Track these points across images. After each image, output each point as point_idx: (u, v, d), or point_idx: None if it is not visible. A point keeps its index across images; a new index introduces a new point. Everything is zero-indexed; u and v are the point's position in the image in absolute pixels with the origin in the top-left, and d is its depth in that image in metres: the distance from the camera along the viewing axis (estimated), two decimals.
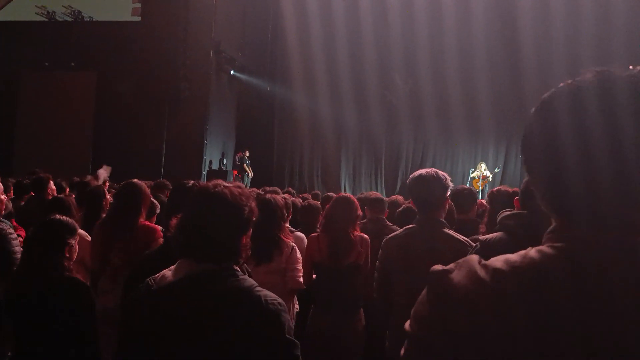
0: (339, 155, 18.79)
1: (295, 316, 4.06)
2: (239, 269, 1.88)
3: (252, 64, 17.57)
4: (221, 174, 15.24)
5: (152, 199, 4.26)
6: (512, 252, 2.53)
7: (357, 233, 4.05)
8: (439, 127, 17.71)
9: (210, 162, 15.70)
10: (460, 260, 0.96)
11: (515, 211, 2.73)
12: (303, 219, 5.18)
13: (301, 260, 4.00)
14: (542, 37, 16.01)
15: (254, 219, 1.93)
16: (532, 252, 0.91)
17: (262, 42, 18.40)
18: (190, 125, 14.77)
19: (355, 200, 4.19)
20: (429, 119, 17.67)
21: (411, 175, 3.24)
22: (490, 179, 16.24)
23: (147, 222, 3.89)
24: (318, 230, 4.41)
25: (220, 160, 16.37)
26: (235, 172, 16.09)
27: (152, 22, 14.79)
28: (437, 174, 3.15)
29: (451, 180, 3.25)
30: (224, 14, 15.62)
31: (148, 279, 1.88)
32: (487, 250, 2.49)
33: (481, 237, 2.69)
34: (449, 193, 3.19)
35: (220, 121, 16.37)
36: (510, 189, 3.78)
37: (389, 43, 17.15)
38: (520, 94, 16.28)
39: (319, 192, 11.91)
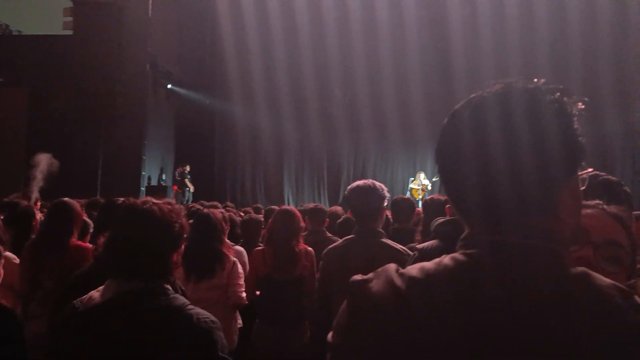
0: (282, 168, 18.77)
1: (238, 331, 4.01)
2: (170, 287, 1.85)
3: (190, 78, 17.35)
4: (161, 189, 14.93)
5: (85, 217, 4.12)
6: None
7: (302, 246, 4.05)
8: (379, 137, 17.99)
9: (149, 178, 15.36)
10: (379, 269, 0.97)
11: (448, 218, 2.78)
12: (244, 232, 5.13)
13: (242, 275, 3.96)
14: (472, 48, 16.54)
15: (184, 235, 1.90)
16: (446, 259, 0.94)
17: (200, 55, 18.19)
18: (127, 141, 14.40)
19: (298, 213, 4.19)
20: (369, 130, 17.92)
21: (349, 187, 3.27)
22: (429, 187, 16.58)
23: (80, 242, 3.76)
24: (261, 244, 4.37)
25: (160, 176, 16.04)
26: (176, 188, 15.80)
27: (85, 36, 14.37)
28: (373, 184, 3.20)
29: (388, 191, 3.29)
30: (159, 27, 15.37)
31: (75, 301, 1.81)
32: (426, 259, 2.53)
33: (418, 246, 2.74)
34: (385, 203, 3.22)
35: (159, 136, 16.06)
36: (442, 197, 3.86)
37: (328, 55, 17.30)
38: (454, 103, 16.71)
39: (260, 206, 11.85)
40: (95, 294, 1.81)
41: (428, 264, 0.94)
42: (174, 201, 2.03)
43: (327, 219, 5.02)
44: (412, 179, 17.10)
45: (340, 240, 3.34)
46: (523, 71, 15.69)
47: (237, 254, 4.40)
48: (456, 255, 0.94)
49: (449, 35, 16.56)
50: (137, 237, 1.81)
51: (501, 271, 0.88)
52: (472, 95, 0.98)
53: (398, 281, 0.92)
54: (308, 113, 17.95)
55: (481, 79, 15.86)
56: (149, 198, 1.93)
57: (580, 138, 0.93)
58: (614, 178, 1.86)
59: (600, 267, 1.20)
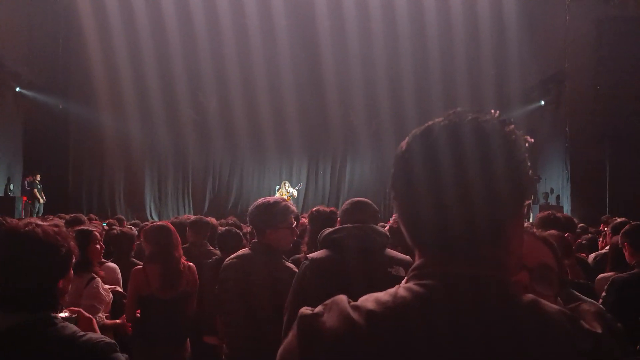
0: (144, 176, 18.06)
1: None
2: (59, 317, 1.71)
3: (41, 80, 16.05)
4: (8, 200, 13.72)
5: None
6: (342, 262, 2.63)
7: (183, 261, 3.98)
8: (245, 145, 17.97)
9: None
10: (328, 302, 0.95)
11: (337, 227, 2.85)
12: (115, 248, 4.85)
13: (103, 297, 3.73)
14: (341, 54, 17.07)
15: (73, 260, 1.77)
16: (401, 290, 0.93)
17: (52, 55, 16.86)
18: None
19: (173, 227, 4.09)
20: (237, 137, 17.85)
21: (254, 203, 3.26)
22: (295, 195, 16.88)
23: None
24: (133, 259, 4.18)
25: (7, 186, 14.69)
26: (25, 198, 14.57)
27: None
28: (274, 201, 3.24)
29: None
30: (6, 24, 14.11)
31: None
32: (318, 267, 2.59)
33: (309, 255, 2.77)
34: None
35: (5, 143, 14.71)
36: (327, 209, 3.95)
37: (196, 60, 16.92)
38: (325, 111, 17.27)
39: (122, 217, 11.34)
40: None
41: (382, 296, 0.94)
42: (61, 222, 1.87)
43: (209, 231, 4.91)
44: (278, 187, 17.30)
45: (237, 253, 3.30)
46: (389, 81, 16.53)
47: (109, 271, 4.16)
48: (411, 285, 0.94)
49: (319, 45, 16.97)
50: (18, 264, 1.65)
51: (453, 302, 0.89)
52: (428, 125, 0.99)
53: (355, 315, 0.90)
54: (174, 119, 17.48)
55: (350, 90, 16.62)
56: (32, 219, 1.77)
57: (529, 173, 0.97)
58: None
59: (535, 291, 1.27)
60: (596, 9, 13.14)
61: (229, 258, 3.31)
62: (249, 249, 3.23)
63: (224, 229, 4.88)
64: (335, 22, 16.73)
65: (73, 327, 1.68)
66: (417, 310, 0.89)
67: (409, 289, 0.93)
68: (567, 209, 13.92)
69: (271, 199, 3.27)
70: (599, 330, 0.87)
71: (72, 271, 1.80)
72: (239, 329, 3.11)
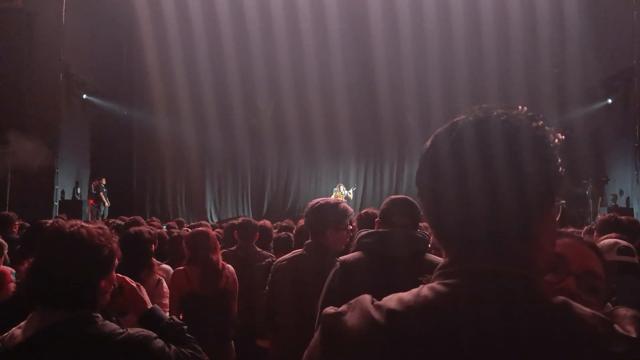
0: (204, 180, 18.49)
1: None
2: (99, 315, 1.74)
3: (106, 88, 16.70)
4: (75, 204, 14.30)
5: None
6: (370, 268, 2.58)
7: (222, 263, 4.07)
8: (302, 148, 18.09)
9: (63, 192, 14.64)
10: (352, 301, 0.96)
11: (370, 230, 2.80)
12: (171, 250, 4.96)
13: (168, 295, 3.83)
14: (394, 61, 16.95)
15: (116, 261, 1.81)
16: (424, 290, 0.92)
17: (117, 64, 17.56)
18: (39, 154, 13.66)
19: (211, 231, 4.21)
20: (293, 141, 18.00)
21: (309, 204, 3.25)
22: (350, 197, 16.85)
23: None
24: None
25: (74, 190, 15.33)
26: (91, 202, 15.15)
27: None
28: (328, 201, 3.22)
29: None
30: (73, 34, 14.72)
31: None
32: (347, 269, 2.54)
33: (340, 258, 2.73)
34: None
35: (73, 148, 15.36)
36: (375, 211, 3.89)
37: (251, 65, 17.22)
38: (376, 116, 17.18)
39: (182, 220, 11.61)
40: (17, 331, 1.67)
41: (405, 295, 0.92)
42: (105, 226, 1.91)
43: (258, 233, 4.93)
44: (335, 189, 17.33)
45: (288, 255, 3.31)
46: (444, 86, 16.26)
47: (165, 273, 4.25)
48: (434, 285, 0.92)
49: (372, 47, 16.89)
50: (61, 264, 1.70)
51: (476, 301, 0.87)
52: (453, 121, 0.97)
53: (376, 314, 0.90)
54: (231, 124, 17.79)
55: (403, 93, 16.45)
56: (77, 221, 1.82)
57: (560, 169, 0.94)
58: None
59: (581, 298, 1.20)
60: None
61: (279, 260, 3.32)
62: (303, 250, 3.21)
63: (279, 233, 4.92)
64: (388, 24, 16.61)
65: (112, 326, 1.71)
66: (439, 309, 0.88)
67: (432, 288, 0.92)
68: (637, 212, 13.28)
69: (331, 200, 3.27)
70: (634, 335, 0.84)
71: (114, 272, 1.84)
72: (289, 330, 3.09)
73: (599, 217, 3.88)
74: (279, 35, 16.78)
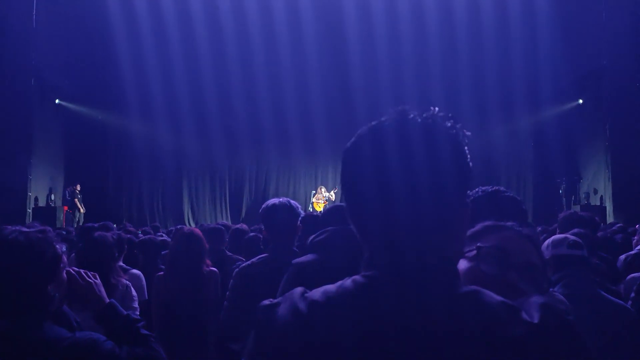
0: (181, 184, 18.35)
1: None
2: (48, 320, 1.72)
3: (80, 92, 16.48)
4: (49, 210, 14.10)
5: None
6: (321, 267, 2.59)
7: (207, 266, 4.00)
8: (279, 151, 18.08)
9: (37, 199, 14.44)
10: (287, 294, 1.01)
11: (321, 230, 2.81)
12: (142, 254, 4.91)
13: (137, 299, 3.79)
14: (370, 64, 17.02)
15: (62, 264, 1.79)
16: (347, 282, 0.97)
17: (91, 68, 17.24)
18: (10, 160, 13.46)
19: (200, 233, 4.10)
20: (269, 144, 17.95)
21: (264, 205, 3.24)
22: (332, 199, 16.89)
23: None
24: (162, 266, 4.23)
25: (48, 196, 15.13)
26: (66, 208, 14.97)
27: None
28: (289, 203, 3.19)
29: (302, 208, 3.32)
30: (45, 38, 14.54)
31: None
32: (302, 272, 2.56)
33: (294, 261, 2.74)
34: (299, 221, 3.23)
35: (47, 154, 15.15)
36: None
37: (226, 68, 17.11)
38: (354, 117, 17.24)
39: (158, 225, 11.53)
40: None
41: (331, 287, 0.98)
42: (49, 228, 1.89)
43: (228, 238, 4.91)
44: (314, 192, 17.36)
45: (254, 259, 3.26)
46: (418, 86, 16.37)
47: (133, 278, 4.20)
48: (357, 277, 0.97)
49: (348, 49, 16.94)
50: (3, 271, 1.69)
51: (397, 291, 0.92)
52: (372, 123, 1.03)
53: (301, 305, 0.95)
54: (207, 127, 17.66)
55: (380, 96, 16.53)
56: (19, 226, 1.80)
57: (469, 163, 1.01)
58: (513, 195, 1.93)
59: (521, 290, 1.23)
60: (635, 2, 12.74)
61: (245, 264, 3.29)
62: (268, 253, 3.18)
63: (251, 235, 4.91)
64: (363, 26, 16.66)
65: (59, 330, 1.70)
66: (357, 299, 0.93)
67: (354, 280, 0.97)
68: (609, 209, 13.50)
69: (281, 201, 3.22)
70: (536, 321, 0.89)
71: (63, 275, 1.82)
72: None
73: (561, 214, 3.96)
74: (254, 37, 16.73)
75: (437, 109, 1.02)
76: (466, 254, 1.19)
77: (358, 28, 16.69)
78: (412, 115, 1.00)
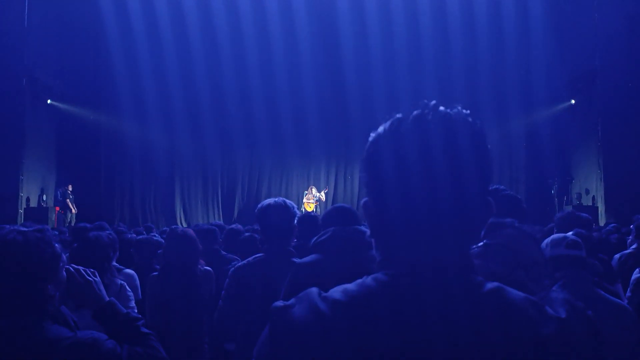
0: (173, 185, 18.30)
1: None
2: (49, 320, 1.72)
3: (72, 92, 16.38)
4: (41, 211, 14.02)
5: None
6: (323, 266, 2.60)
7: (201, 267, 3.98)
8: (272, 151, 18.08)
9: (28, 199, 14.36)
10: (301, 294, 0.98)
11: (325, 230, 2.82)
12: (137, 255, 4.89)
13: (133, 298, 3.77)
14: (363, 64, 17.04)
15: (61, 263, 1.78)
16: (368, 280, 0.96)
17: (83, 68, 17.15)
18: (2, 160, 13.38)
19: (194, 234, 4.08)
20: (262, 144, 17.93)
21: (260, 205, 3.23)
22: (323, 199, 16.90)
23: None
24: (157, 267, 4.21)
25: (40, 197, 15.04)
26: (58, 209, 14.88)
27: None
28: (284, 202, 3.18)
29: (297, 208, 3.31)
30: (37, 38, 14.46)
31: None
32: (302, 272, 2.57)
33: (297, 261, 2.74)
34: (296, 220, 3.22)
35: (39, 154, 15.06)
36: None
37: (220, 68, 17.08)
38: (346, 117, 17.26)
39: (151, 225, 11.48)
40: None
41: (350, 286, 0.96)
42: (48, 227, 1.88)
43: (222, 239, 4.90)
44: (306, 192, 17.36)
45: (249, 259, 3.25)
46: (411, 88, 16.40)
47: (126, 278, 4.18)
48: (378, 275, 0.96)
49: (341, 50, 16.97)
50: (2, 272, 1.68)
51: (417, 290, 0.92)
52: (394, 118, 1.02)
53: (322, 305, 0.93)
54: (200, 127, 17.63)
55: (373, 98, 16.56)
56: (16, 226, 1.80)
57: (491, 160, 1.01)
58: (513, 193, 1.93)
59: (528, 288, 1.24)
60: (627, 4, 12.82)
61: (240, 264, 3.28)
62: (264, 253, 3.18)
63: (246, 234, 4.89)
64: (357, 27, 16.71)
65: (60, 330, 1.69)
66: (381, 298, 0.92)
67: (375, 278, 0.96)
68: (601, 210, 13.57)
69: (277, 201, 3.21)
70: (563, 316, 0.89)
71: (63, 274, 1.81)
72: (254, 333, 3.04)
73: (558, 214, 3.98)
74: (248, 38, 16.73)
75: (459, 106, 1.02)
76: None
77: (351, 30, 16.72)
78: (431, 111, 0.99)
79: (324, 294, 0.96)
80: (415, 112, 1.00)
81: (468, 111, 1.02)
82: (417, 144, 0.96)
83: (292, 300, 0.97)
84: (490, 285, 0.93)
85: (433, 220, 0.94)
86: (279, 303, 0.98)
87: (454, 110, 1.00)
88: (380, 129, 1.03)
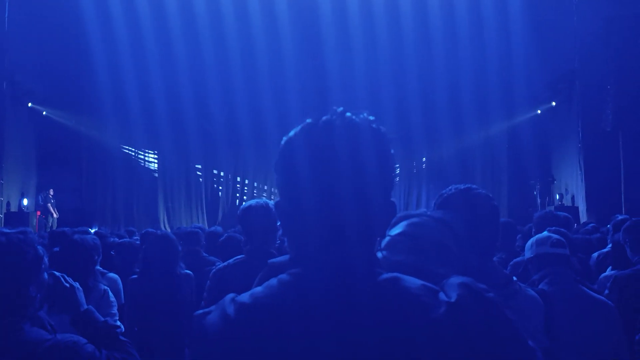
0: (156, 188, 18.19)
1: None
2: (28, 322, 1.71)
3: (54, 96, 16.24)
4: (22, 215, 13.85)
5: None
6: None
7: (181, 270, 3.97)
8: (256, 154, 18.03)
9: (8, 204, 14.18)
10: (221, 300, 1.02)
11: None
12: (118, 258, 4.87)
13: (116, 304, 3.75)
14: (346, 67, 17.07)
15: (43, 265, 1.78)
16: (273, 281, 1.00)
17: (65, 71, 17.01)
18: None
19: (173, 237, 4.07)
20: (247, 147, 17.90)
21: (242, 207, 3.22)
22: None
23: None
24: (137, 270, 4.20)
25: (20, 201, 14.87)
26: (39, 213, 14.72)
27: None
28: (267, 204, 3.17)
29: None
30: (18, 41, 14.30)
31: None
32: (274, 271, 2.55)
33: (270, 261, 2.74)
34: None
35: (18, 158, 14.89)
36: None
37: (203, 71, 17.00)
38: None
39: (133, 229, 11.41)
40: None
41: (259, 289, 1.00)
42: (30, 230, 1.87)
43: (204, 241, 4.89)
44: None
45: (230, 260, 3.24)
46: (394, 91, 16.46)
47: (110, 282, 4.15)
48: (282, 276, 1.00)
49: (325, 52, 16.97)
50: None
51: (321, 286, 0.95)
52: (305, 123, 1.07)
53: (229, 309, 0.96)
54: (183, 130, 17.54)
55: (356, 101, 16.59)
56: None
57: (393, 164, 1.07)
58: (485, 192, 1.95)
59: (433, 273, 1.23)
60: (606, 6, 12.98)
61: (221, 265, 3.27)
62: (245, 255, 3.16)
63: (225, 236, 4.89)
64: (339, 29, 16.71)
65: (40, 332, 1.69)
66: (282, 298, 0.95)
67: (279, 279, 0.99)
68: (582, 209, 13.72)
69: (258, 202, 3.19)
70: (453, 300, 0.91)
71: (45, 276, 1.80)
72: None
73: (536, 214, 4.03)
74: (231, 39, 16.66)
75: (365, 112, 1.09)
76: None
77: (335, 33, 16.74)
78: (339, 117, 1.05)
79: (236, 298, 0.99)
80: (324, 118, 1.05)
81: (373, 117, 1.08)
82: (324, 148, 1.00)
83: (212, 307, 1.01)
84: (387, 275, 0.97)
85: (337, 219, 0.98)
86: (199, 311, 1.02)
87: (360, 117, 1.06)
88: (292, 133, 1.08)
